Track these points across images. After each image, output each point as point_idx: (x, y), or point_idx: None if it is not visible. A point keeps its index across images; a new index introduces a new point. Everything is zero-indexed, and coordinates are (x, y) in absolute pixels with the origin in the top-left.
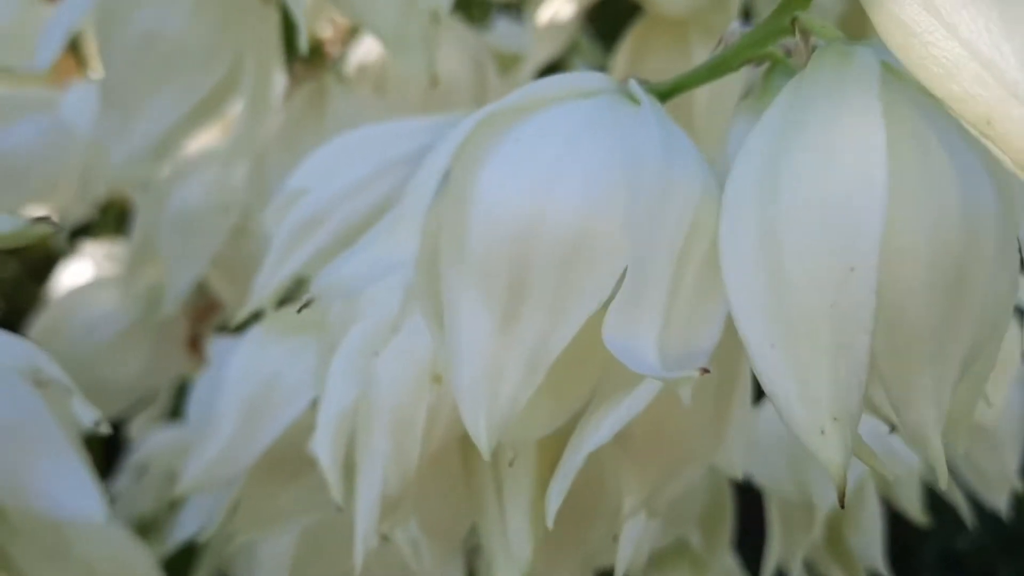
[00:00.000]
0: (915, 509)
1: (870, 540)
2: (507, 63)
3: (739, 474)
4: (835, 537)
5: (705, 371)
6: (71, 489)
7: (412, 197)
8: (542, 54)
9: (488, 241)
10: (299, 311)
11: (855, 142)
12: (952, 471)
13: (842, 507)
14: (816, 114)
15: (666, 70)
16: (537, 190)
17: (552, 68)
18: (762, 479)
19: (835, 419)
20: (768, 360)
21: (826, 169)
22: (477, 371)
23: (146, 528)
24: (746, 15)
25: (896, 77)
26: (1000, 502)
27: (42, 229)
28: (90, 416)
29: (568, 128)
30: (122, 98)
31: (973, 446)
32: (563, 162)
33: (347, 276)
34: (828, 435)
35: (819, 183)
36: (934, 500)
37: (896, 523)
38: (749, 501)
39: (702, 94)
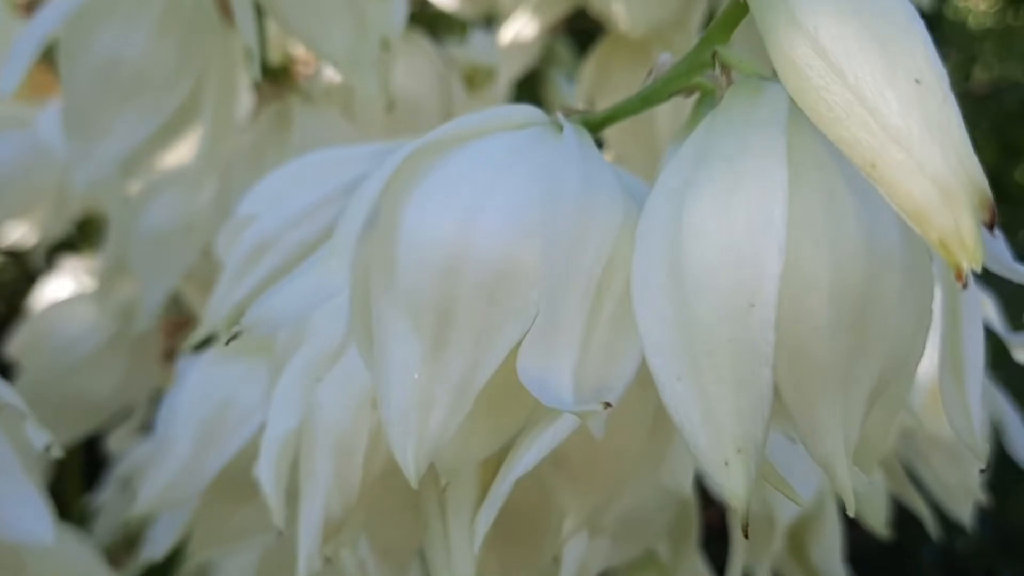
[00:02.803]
0: (879, 523)
1: (829, 553)
2: (484, 76)
3: (689, 493)
4: (798, 548)
5: (608, 406)
6: (21, 511)
7: (342, 230)
8: (510, 70)
9: (414, 273)
10: (227, 343)
11: (756, 179)
12: (916, 483)
13: (746, 537)
14: (723, 149)
15: (631, 85)
16: (459, 225)
17: (530, 79)
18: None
19: (739, 451)
20: (674, 392)
21: (728, 205)
22: (405, 401)
23: (131, 540)
24: None
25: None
26: (964, 514)
27: None
28: (42, 440)
29: (491, 163)
30: (84, 121)
31: (937, 459)
32: (485, 196)
33: (278, 308)
34: (732, 466)
35: (720, 220)
36: (928, 502)
37: (895, 525)
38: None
39: (663, 119)
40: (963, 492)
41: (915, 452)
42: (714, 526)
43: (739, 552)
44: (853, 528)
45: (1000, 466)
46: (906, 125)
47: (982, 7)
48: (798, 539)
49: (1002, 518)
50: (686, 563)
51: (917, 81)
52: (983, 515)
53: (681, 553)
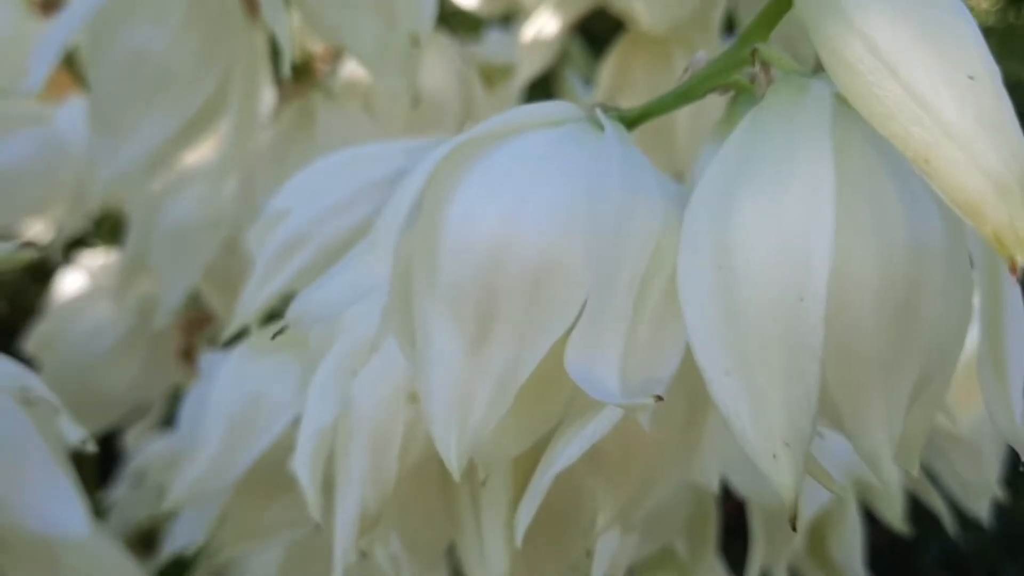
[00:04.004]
0: (896, 518)
1: (850, 550)
2: (499, 74)
3: (715, 487)
4: (817, 546)
5: (659, 398)
6: (57, 505)
7: (385, 224)
8: (530, 68)
9: (457, 268)
10: (273, 337)
11: (805, 176)
12: (934, 480)
13: (794, 530)
14: (769, 147)
15: (650, 84)
16: (504, 219)
17: (543, 79)
18: (744, 489)
19: (787, 444)
20: (723, 387)
21: (777, 202)
22: (448, 394)
23: (145, 535)
24: (730, 29)
25: (849, 109)
26: (982, 510)
27: (27, 255)
28: (76, 434)
29: (534, 158)
30: (111, 118)
31: (954, 456)
32: (529, 192)
33: (321, 302)
34: (780, 459)
35: (770, 216)
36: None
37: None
38: (736, 504)
39: (683, 116)
40: (981, 488)
41: (933, 448)
42: (729, 524)
43: (759, 549)
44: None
45: (1007, 463)
46: (960, 120)
47: (984, 6)
48: (817, 536)
49: (1007, 515)
50: (704, 561)
51: (970, 77)
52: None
53: (699, 551)
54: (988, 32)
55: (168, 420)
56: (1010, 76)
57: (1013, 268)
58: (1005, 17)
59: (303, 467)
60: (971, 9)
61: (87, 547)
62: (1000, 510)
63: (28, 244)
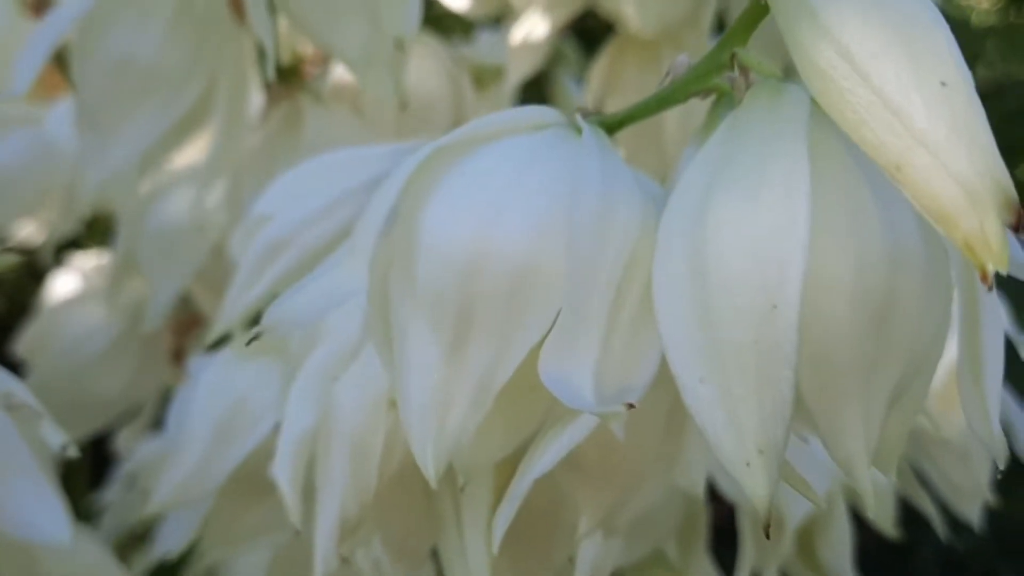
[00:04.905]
0: (887, 523)
1: (839, 553)
2: (491, 76)
3: (701, 492)
4: (807, 549)
5: (631, 406)
6: (39, 511)
7: (362, 228)
8: (519, 71)
9: (435, 274)
10: (248, 343)
11: (780, 182)
12: (925, 484)
13: (767, 537)
14: (745, 152)
15: (640, 86)
16: (481, 225)
17: (536, 80)
18: (732, 492)
19: (760, 452)
20: (697, 393)
21: (751, 208)
22: (425, 400)
23: (137, 539)
24: (720, 30)
25: (826, 114)
26: (972, 514)
27: (9, 260)
28: (58, 439)
29: (512, 163)
30: (98, 120)
31: (944, 460)
32: (506, 197)
33: (298, 308)
34: (753, 467)
35: (744, 222)
36: (932, 500)
37: (896, 524)
38: (729, 507)
39: (672, 121)
40: (971, 492)
41: (923, 452)
42: (721, 527)
43: (748, 553)
44: (853, 526)
45: (997, 467)
46: (932, 128)
47: (984, 5)
48: (807, 540)
49: (1002, 517)
50: (695, 563)
51: (943, 83)
52: (983, 513)
53: (690, 553)
54: (988, 32)
55: (160, 422)
56: (1012, 74)
57: (984, 277)
58: (1005, 17)
59: (283, 472)
60: (971, 9)
61: (70, 551)
62: (995, 510)
63: (9, 249)
